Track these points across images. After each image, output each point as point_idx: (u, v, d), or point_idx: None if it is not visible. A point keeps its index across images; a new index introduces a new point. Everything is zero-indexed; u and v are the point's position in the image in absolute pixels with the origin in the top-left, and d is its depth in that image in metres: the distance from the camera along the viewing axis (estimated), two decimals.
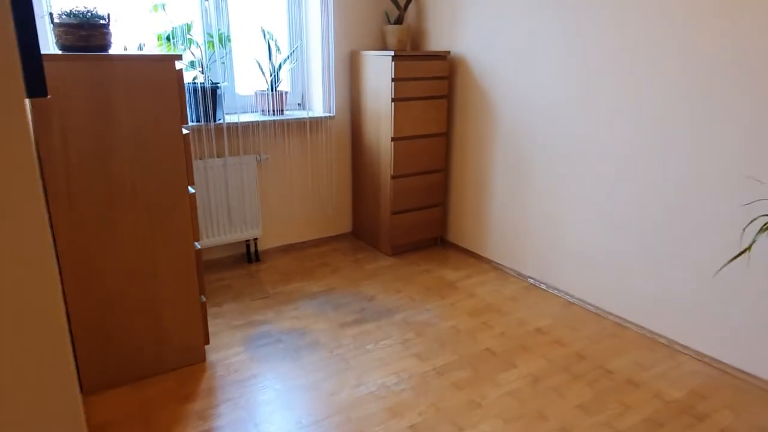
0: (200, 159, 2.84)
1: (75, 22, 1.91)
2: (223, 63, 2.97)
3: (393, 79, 2.93)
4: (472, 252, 3.25)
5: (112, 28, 2.04)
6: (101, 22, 1.97)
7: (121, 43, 2.67)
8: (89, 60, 1.69)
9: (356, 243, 3.45)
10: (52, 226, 1.74)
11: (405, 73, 2.96)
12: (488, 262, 3.15)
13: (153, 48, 2.78)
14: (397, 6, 3.17)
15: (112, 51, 1.98)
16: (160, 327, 1.99)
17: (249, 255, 3.13)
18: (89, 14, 1.94)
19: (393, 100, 2.97)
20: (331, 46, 3.15)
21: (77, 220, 1.75)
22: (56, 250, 1.76)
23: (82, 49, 1.92)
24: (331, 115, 3.20)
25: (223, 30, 2.92)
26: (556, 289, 2.76)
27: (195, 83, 2.74)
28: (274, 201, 3.20)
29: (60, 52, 1.80)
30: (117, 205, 1.81)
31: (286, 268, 3.06)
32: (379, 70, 3.02)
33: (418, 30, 3.33)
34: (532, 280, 2.90)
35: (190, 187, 1.94)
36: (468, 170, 3.17)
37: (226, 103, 3.04)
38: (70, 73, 1.66)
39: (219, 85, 2.79)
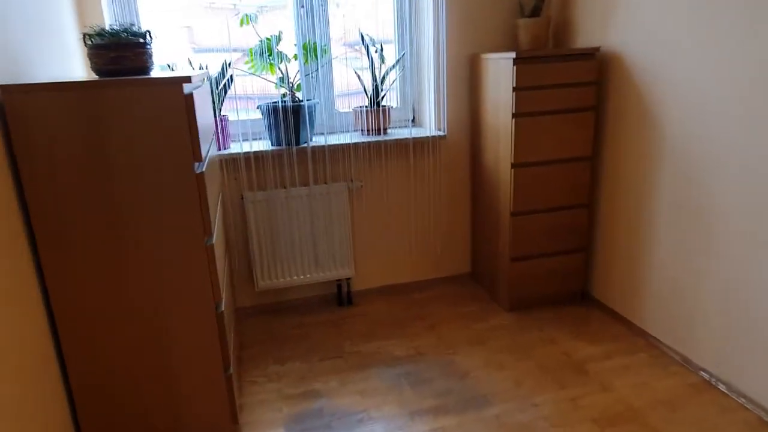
0: (282, 188, 2.50)
1: (102, 42, 1.65)
2: (313, 77, 2.59)
3: (514, 89, 2.26)
4: (621, 316, 2.41)
5: (152, 47, 1.77)
6: (135, 41, 1.69)
7: (183, 63, 2.44)
8: (76, 89, 1.39)
9: (472, 289, 2.83)
10: (43, 280, 1.49)
11: (532, 80, 2.26)
12: (642, 334, 2.29)
13: (242, 66, 2.51)
14: None
15: (153, 73, 1.70)
16: (175, 403, 1.65)
17: (340, 297, 2.72)
18: (119, 33, 1.67)
19: (514, 115, 2.29)
20: (443, 49, 2.57)
21: (73, 272, 1.48)
22: (50, 307, 1.52)
23: (113, 73, 1.66)
24: (442, 134, 2.63)
25: (320, 39, 2.53)
26: (745, 397, 1.84)
27: (275, 102, 2.40)
28: (370, 235, 2.74)
29: (96, 78, 1.57)
30: (119, 258, 1.50)
31: (377, 316, 2.58)
32: (498, 77, 2.37)
33: (563, 22, 2.58)
34: (705, 374, 1.99)
35: (207, 238, 1.57)
36: (621, 207, 2.34)
37: (323, 122, 2.65)
38: (57, 104, 1.37)
39: (307, 103, 2.41)
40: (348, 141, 2.50)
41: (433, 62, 2.61)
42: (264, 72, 2.47)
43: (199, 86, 1.66)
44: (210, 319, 1.62)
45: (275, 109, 2.38)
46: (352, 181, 2.61)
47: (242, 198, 2.45)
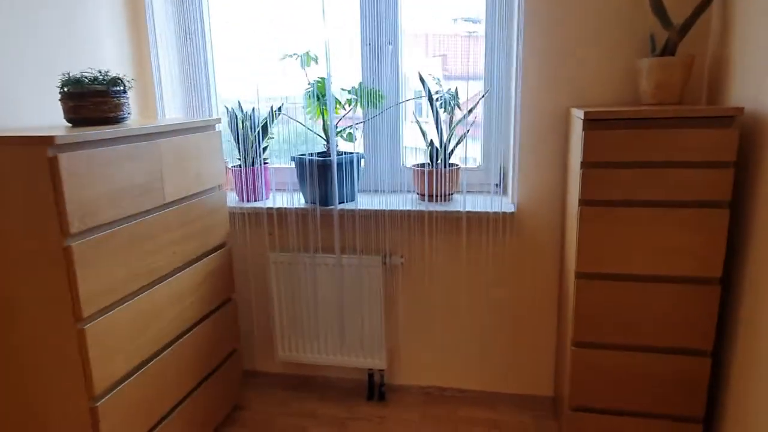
0: (306, 252, 2.16)
1: (65, 91, 1.58)
2: (369, 126, 2.19)
3: (583, 164, 1.53)
4: None
5: (123, 95, 1.64)
6: (98, 89, 1.58)
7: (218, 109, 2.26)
8: None
9: (547, 423, 2.06)
10: None
11: (613, 153, 1.50)
12: None
13: (298, 112, 2.27)
14: (663, 20, 1.67)
15: (121, 124, 1.58)
16: None
17: (371, 389, 2.24)
18: (81, 81, 1.58)
19: (581, 202, 1.55)
20: (517, 97, 1.92)
21: None
22: None
23: (74, 122, 1.58)
24: (509, 210, 1.96)
25: (385, 82, 2.14)
26: None
27: (304, 155, 2.08)
28: (412, 323, 2.20)
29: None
30: None
31: (412, 428, 2.04)
32: (576, 145, 1.64)
33: (720, 60, 1.69)
34: None
35: (81, 322, 1.33)
36: (766, 362, 1.39)
37: (382, 179, 2.24)
38: None
39: (344, 156, 2.04)
40: (382, 207, 2.03)
41: (513, 115, 1.98)
42: (316, 117, 2.18)
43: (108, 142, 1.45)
44: (82, 413, 1.38)
45: (302, 162, 2.06)
46: (389, 255, 2.13)
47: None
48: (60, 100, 1.59)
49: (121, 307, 1.46)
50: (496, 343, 2.16)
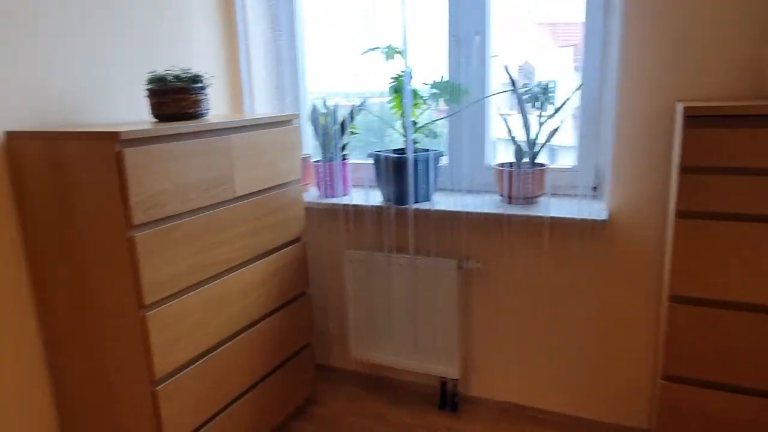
0: (380, 251, 2.10)
1: (150, 87, 1.67)
2: (450, 122, 2.07)
3: (681, 168, 1.30)
4: None
5: (203, 92, 1.70)
6: (178, 86, 1.65)
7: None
8: (43, 138, 1.41)
9: None
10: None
11: (721, 156, 1.26)
12: None
13: (382, 107, 2.22)
14: None
15: (205, 119, 1.65)
16: None
17: (443, 397, 2.14)
18: (164, 78, 1.66)
19: (677, 213, 1.33)
20: (617, 92, 1.69)
21: (54, 312, 1.54)
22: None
23: (160, 118, 1.67)
24: (601, 218, 1.74)
25: (473, 76, 2.02)
26: None
27: (380, 152, 2.02)
28: (488, 332, 2.06)
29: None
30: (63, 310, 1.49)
31: None
32: (677, 146, 1.41)
33: None
34: None
35: (143, 310, 1.40)
36: None
37: (464, 179, 2.12)
38: (34, 151, 1.43)
39: (420, 154, 1.96)
40: (458, 208, 1.92)
41: (611, 110, 1.76)
42: (399, 113, 2.11)
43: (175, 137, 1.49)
44: (145, 395, 1.45)
45: (378, 159, 2.01)
46: (465, 259, 2.01)
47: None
48: (146, 96, 1.68)
49: (185, 296, 1.51)
50: (583, 363, 1.95)
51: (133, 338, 1.42)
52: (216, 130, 1.59)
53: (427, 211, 1.97)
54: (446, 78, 2.07)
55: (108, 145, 1.31)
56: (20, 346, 1.53)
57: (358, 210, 2.14)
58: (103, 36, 1.71)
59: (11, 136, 1.45)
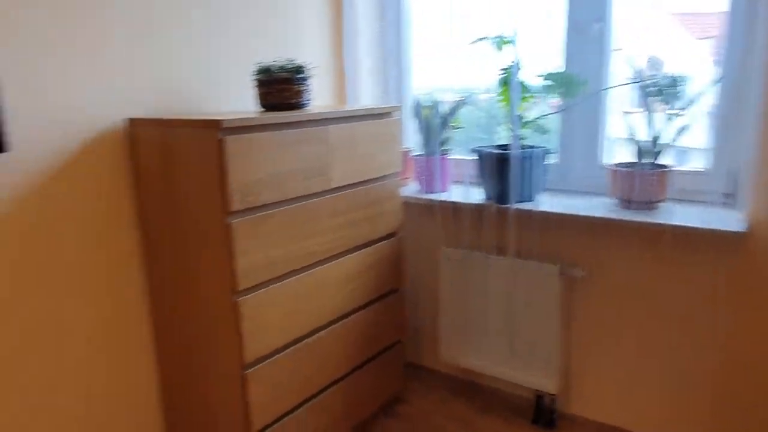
0: (478, 251, 2.00)
1: (258, 78, 1.71)
2: (563, 116, 1.91)
3: None
4: None
5: (305, 82, 1.71)
6: (283, 76, 1.68)
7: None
8: (156, 125, 1.49)
9: None
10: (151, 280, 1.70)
11: None
12: None
13: (489, 100, 2.12)
14: None
15: (305, 110, 1.67)
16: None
17: (538, 412, 2.00)
18: (270, 69, 1.69)
19: None
20: (760, 89, 1.45)
21: (160, 284, 1.64)
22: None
23: (267, 108, 1.71)
24: (737, 230, 1.51)
25: (586, 68, 1.86)
26: None
27: (482, 148, 1.92)
28: (592, 347, 1.88)
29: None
30: (168, 285, 1.56)
31: None
32: None
33: None
34: None
35: (236, 296, 1.43)
36: None
37: (576, 178, 1.97)
38: (152, 136, 1.51)
39: (526, 151, 1.84)
40: (564, 210, 1.76)
41: (754, 106, 1.52)
42: (507, 106, 2.00)
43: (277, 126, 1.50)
44: (234, 378, 1.49)
45: (481, 154, 1.91)
46: (568, 265, 1.85)
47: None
48: (255, 87, 1.72)
49: (278, 284, 1.53)
50: (704, 393, 1.72)
51: (226, 322, 1.46)
52: (314, 120, 1.59)
53: (530, 212, 1.84)
54: (561, 69, 1.92)
55: (211, 133, 1.35)
56: (130, 316, 1.64)
57: (457, 207, 2.06)
58: (218, 29, 1.77)
59: (132, 122, 1.55)
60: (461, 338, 2.08)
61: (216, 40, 1.78)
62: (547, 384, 1.91)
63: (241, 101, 1.88)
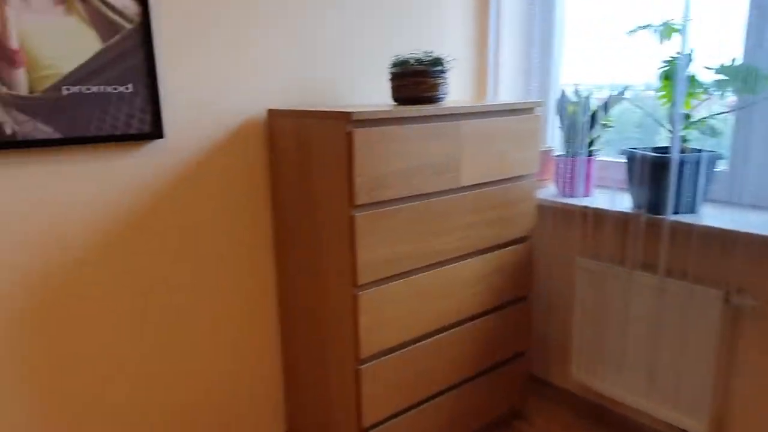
0: (619, 264, 1.79)
1: (393, 71, 1.69)
2: (738, 116, 1.63)
3: None
4: None
5: (442, 75, 1.66)
6: (417, 69, 1.64)
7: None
8: (293, 116, 1.52)
9: None
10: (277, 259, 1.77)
11: None
12: None
13: (645, 97, 1.89)
14: None
15: (440, 104, 1.63)
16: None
17: None
18: (407, 62, 1.66)
19: None
20: None
21: (287, 269, 1.69)
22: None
23: (399, 101, 1.69)
24: None
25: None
26: None
27: (634, 150, 1.70)
28: (760, 390, 1.58)
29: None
30: (300, 269, 1.59)
31: None
32: None
33: None
34: None
35: (356, 290, 1.42)
36: None
37: (739, 189, 1.68)
38: (287, 128, 1.56)
39: (689, 155, 1.60)
40: (734, 227, 1.50)
41: None
42: (669, 103, 1.77)
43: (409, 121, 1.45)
44: (350, 371, 1.49)
45: (633, 157, 1.70)
46: (736, 292, 1.57)
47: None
48: (389, 80, 1.69)
49: (398, 281, 1.50)
50: None
51: (345, 315, 1.46)
52: (446, 115, 1.52)
53: (689, 226, 1.60)
54: (739, 61, 1.64)
55: (340, 125, 1.34)
56: (259, 298, 1.71)
57: (599, 214, 1.86)
58: (358, 23, 1.77)
59: (271, 113, 1.61)
60: (595, 359, 1.89)
61: (356, 33, 1.78)
62: (697, 426, 1.66)
63: (379, 95, 1.87)
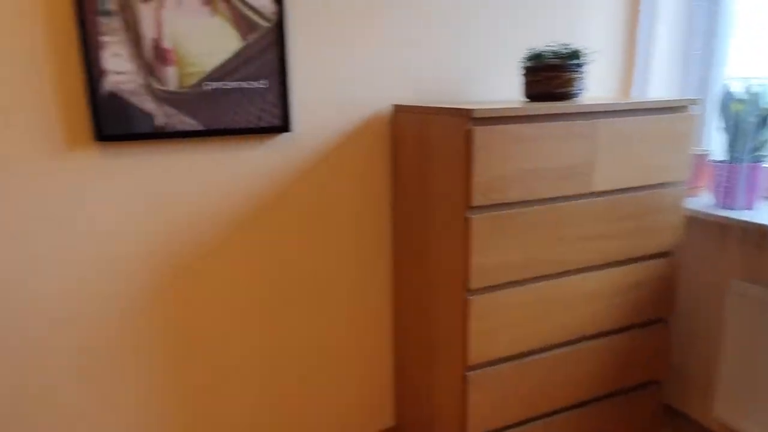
0: (745, 279, 1.51)
1: (526, 65, 1.60)
2: None
3: None
4: None
5: (579, 69, 1.54)
6: (550, 63, 1.54)
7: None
8: (414, 112, 1.50)
9: None
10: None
11: None
12: None
13: None
14: None
15: (577, 99, 1.53)
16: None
17: None
18: (540, 55, 1.57)
19: None
20: None
21: (401, 262, 1.68)
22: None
23: (532, 97, 1.60)
24: None
25: None
26: None
27: None
28: None
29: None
30: (411, 258, 1.57)
31: None
32: None
33: None
34: None
35: (467, 294, 1.36)
36: None
37: None
38: (408, 123, 1.54)
39: None
40: None
41: None
42: None
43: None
44: (456, 377, 1.45)
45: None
46: None
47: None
48: (522, 75, 1.60)
49: (514, 288, 1.42)
50: None
51: (455, 318, 1.41)
52: (579, 113, 1.40)
53: None
54: None
55: (460, 122, 1.29)
56: (375, 291, 1.73)
57: (763, 231, 1.59)
58: (493, 12, 1.70)
59: (396, 108, 1.61)
60: (744, 397, 1.63)
61: (490, 25, 1.70)
62: None
63: (512, 91, 1.79)
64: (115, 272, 1.42)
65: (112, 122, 1.33)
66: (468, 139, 1.27)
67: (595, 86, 1.91)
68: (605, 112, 1.42)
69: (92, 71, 1.30)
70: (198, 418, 1.59)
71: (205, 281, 1.51)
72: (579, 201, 1.44)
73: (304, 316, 1.65)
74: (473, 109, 1.25)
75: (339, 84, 1.55)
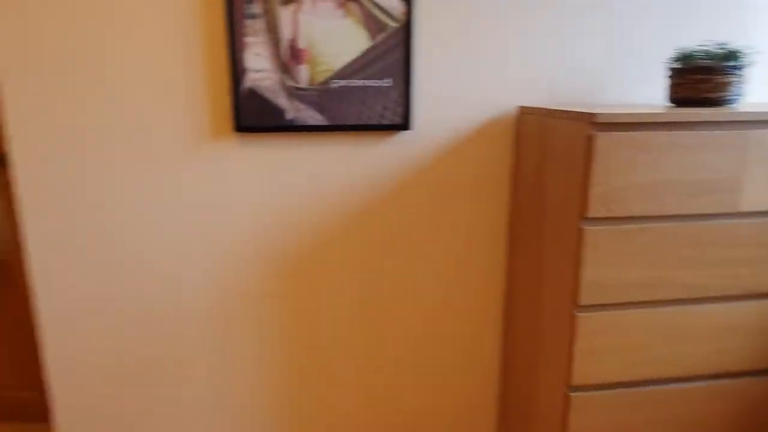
0: None
1: (677, 67, 1.46)
2: None
3: None
4: None
5: (738, 71, 1.37)
6: (703, 65, 1.39)
7: None
8: (534, 113, 1.44)
9: None
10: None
11: None
12: None
13: None
14: None
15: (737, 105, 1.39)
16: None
17: None
18: (692, 56, 1.42)
19: None
20: None
21: (514, 267, 1.63)
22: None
23: (678, 102, 1.47)
24: None
25: None
26: None
27: None
28: None
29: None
30: (523, 276, 1.51)
31: None
32: None
33: None
34: None
35: (576, 309, 1.28)
36: None
37: None
38: (527, 126, 1.49)
39: None
40: None
41: None
42: None
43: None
44: (558, 396, 1.38)
45: None
46: None
47: None
48: (668, 77, 1.46)
49: (629, 310, 1.30)
50: None
51: (562, 335, 1.34)
52: (726, 122, 1.24)
53: None
54: None
55: (581, 127, 1.22)
56: (485, 300, 1.70)
57: None
58: (636, 9, 1.57)
59: (522, 110, 1.56)
60: None
61: (634, 24, 1.58)
62: None
63: (657, 95, 1.64)
64: (250, 252, 1.58)
65: (249, 115, 1.47)
66: (588, 146, 1.19)
67: (762, 92, 1.67)
68: (762, 121, 1.24)
69: (236, 70, 1.44)
70: (305, 398, 1.70)
71: (321, 268, 1.61)
72: (718, 221, 1.28)
73: (409, 314, 1.68)
74: (597, 114, 1.17)
75: (462, 84, 1.55)
